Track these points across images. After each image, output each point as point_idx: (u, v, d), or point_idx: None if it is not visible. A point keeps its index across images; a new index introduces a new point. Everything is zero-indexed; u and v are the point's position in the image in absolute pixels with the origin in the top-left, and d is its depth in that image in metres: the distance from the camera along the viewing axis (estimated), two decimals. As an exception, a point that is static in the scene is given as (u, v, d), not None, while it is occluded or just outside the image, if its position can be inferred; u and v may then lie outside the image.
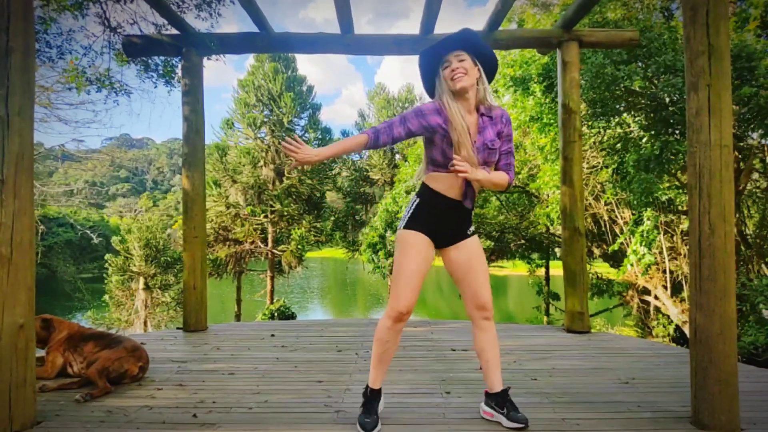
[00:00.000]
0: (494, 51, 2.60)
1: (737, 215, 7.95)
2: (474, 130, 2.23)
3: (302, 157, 2.04)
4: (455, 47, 2.23)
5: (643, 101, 7.37)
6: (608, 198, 8.65)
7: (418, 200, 2.31)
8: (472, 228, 2.39)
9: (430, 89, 2.34)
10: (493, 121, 2.26)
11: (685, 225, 8.09)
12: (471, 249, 2.33)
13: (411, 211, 2.31)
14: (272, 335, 4.29)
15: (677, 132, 7.21)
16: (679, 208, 8.04)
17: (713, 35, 2.29)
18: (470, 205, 2.31)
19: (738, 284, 6.72)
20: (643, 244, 7.50)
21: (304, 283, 31.99)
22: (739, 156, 7.96)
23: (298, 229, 15.72)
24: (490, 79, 2.31)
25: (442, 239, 2.32)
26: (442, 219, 2.28)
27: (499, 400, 2.37)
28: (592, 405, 2.65)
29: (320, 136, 17.38)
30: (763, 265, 7.86)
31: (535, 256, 12.59)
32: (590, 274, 10.47)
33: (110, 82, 4.69)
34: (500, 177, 2.28)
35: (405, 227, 2.29)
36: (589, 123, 8.19)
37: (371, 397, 2.38)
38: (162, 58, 4.75)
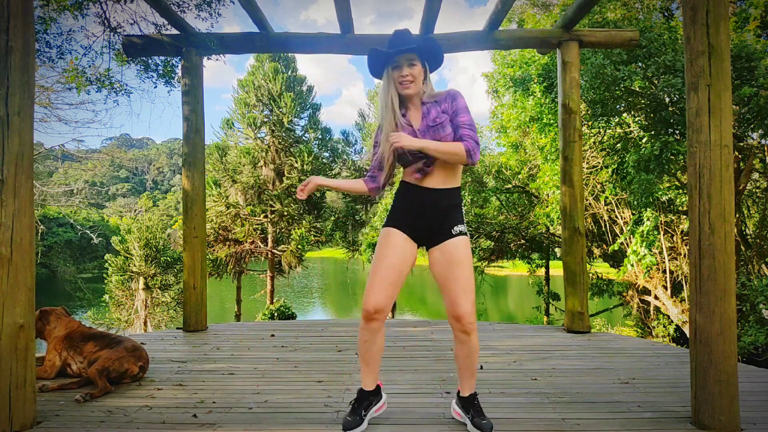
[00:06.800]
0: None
1: (737, 215, 7.95)
2: (418, 119, 2.24)
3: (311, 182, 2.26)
4: (410, 51, 2.19)
5: (643, 101, 7.38)
6: (608, 197, 8.65)
7: (394, 195, 2.37)
8: (460, 228, 2.25)
9: (379, 75, 2.32)
10: (438, 102, 2.23)
11: (685, 225, 8.09)
12: (453, 252, 2.20)
13: (390, 208, 2.36)
14: (272, 335, 4.29)
15: (677, 132, 7.22)
16: (679, 208, 8.04)
17: (713, 35, 2.30)
18: (420, 177, 2.21)
19: (738, 284, 6.72)
20: (644, 245, 7.50)
21: (299, 282, 31.95)
22: (739, 156, 7.97)
23: (298, 229, 15.69)
24: (434, 68, 2.31)
25: (421, 234, 2.26)
26: (413, 207, 2.25)
27: (465, 405, 2.36)
28: (592, 405, 2.65)
29: (320, 136, 17.35)
30: (763, 265, 7.87)
31: (535, 256, 12.60)
32: (590, 274, 10.47)
33: (110, 82, 4.68)
34: (453, 144, 2.14)
35: (384, 225, 2.33)
36: (589, 123, 8.20)
37: (359, 397, 2.39)
38: (162, 58, 4.75)
